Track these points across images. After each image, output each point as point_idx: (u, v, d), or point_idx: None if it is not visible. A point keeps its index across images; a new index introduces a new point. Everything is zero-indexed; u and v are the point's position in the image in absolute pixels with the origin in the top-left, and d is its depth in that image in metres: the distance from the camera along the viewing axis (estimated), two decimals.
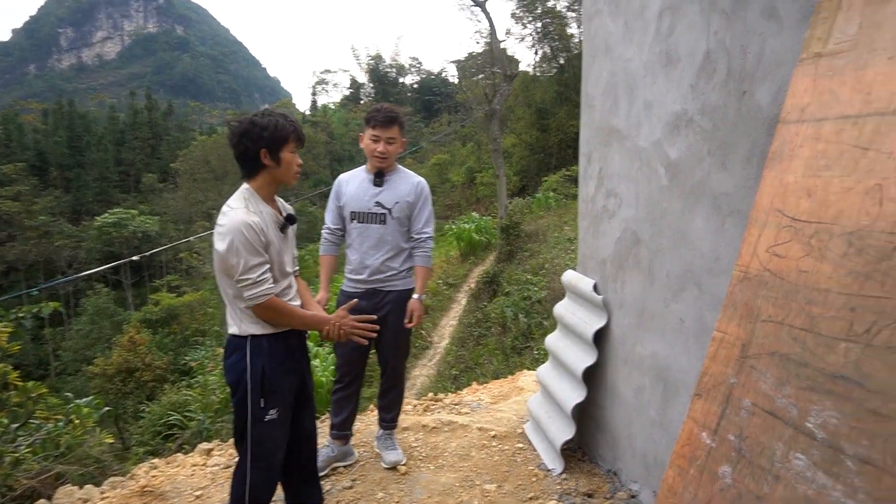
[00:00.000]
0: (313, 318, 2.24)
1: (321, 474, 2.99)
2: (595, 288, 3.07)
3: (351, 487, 2.92)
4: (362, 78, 50.40)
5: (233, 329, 2.15)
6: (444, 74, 54.78)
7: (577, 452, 3.22)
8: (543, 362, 8.22)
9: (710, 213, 2.15)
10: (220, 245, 2.00)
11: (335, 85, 59.89)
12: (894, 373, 1.14)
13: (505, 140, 31.85)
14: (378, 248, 3.01)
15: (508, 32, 37.60)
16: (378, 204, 3.01)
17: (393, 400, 3.27)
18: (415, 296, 3.09)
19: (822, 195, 1.38)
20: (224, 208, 2.09)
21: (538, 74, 35.98)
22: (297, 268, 2.43)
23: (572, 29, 34.74)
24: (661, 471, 2.50)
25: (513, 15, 34.70)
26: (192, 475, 3.11)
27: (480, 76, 42.82)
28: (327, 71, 62.71)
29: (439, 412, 3.85)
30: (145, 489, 2.95)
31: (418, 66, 54.48)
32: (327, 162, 41.76)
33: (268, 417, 2.11)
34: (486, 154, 34.18)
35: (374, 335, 2.35)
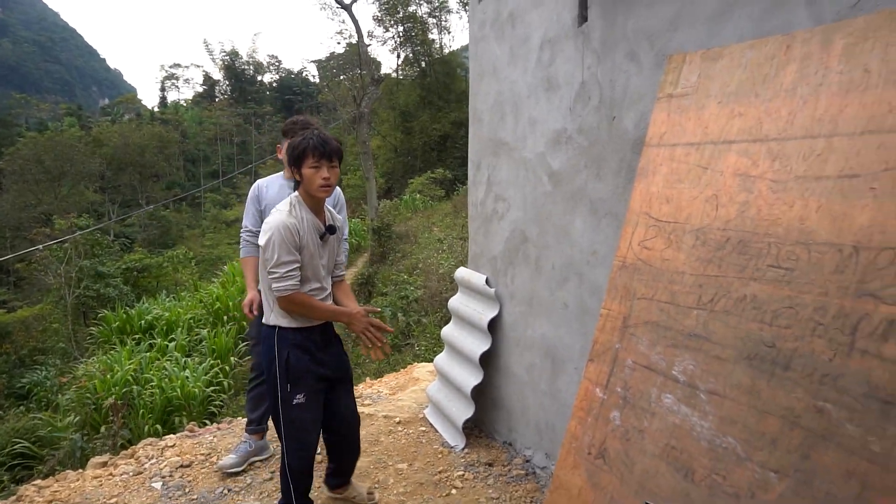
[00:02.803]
0: (336, 309, 2.46)
1: (238, 470, 3.11)
2: (487, 282, 3.47)
3: (271, 479, 3.06)
4: (217, 74, 48.07)
5: (265, 319, 2.43)
6: (304, 74, 53.78)
7: (475, 430, 3.59)
8: (423, 357, 8.60)
9: (588, 215, 2.60)
10: (261, 240, 2.31)
11: (186, 81, 56.50)
12: (729, 329, 1.60)
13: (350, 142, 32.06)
14: None
15: (371, 35, 37.71)
16: None
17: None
18: None
19: (677, 202, 1.84)
20: (273, 210, 2.38)
21: (401, 78, 36.58)
22: (343, 273, 2.65)
23: (433, 34, 35.77)
24: (552, 433, 2.95)
25: (374, 18, 34.99)
26: (101, 485, 3.06)
27: (342, 77, 42.63)
28: (177, 65, 58.93)
29: None
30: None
31: (277, 64, 53.06)
32: (181, 163, 39.25)
33: (295, 401, 2.36)
34: (350, 156, 34.10)
35: (381, 344, 2.48)
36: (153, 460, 3.31)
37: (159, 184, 34.93)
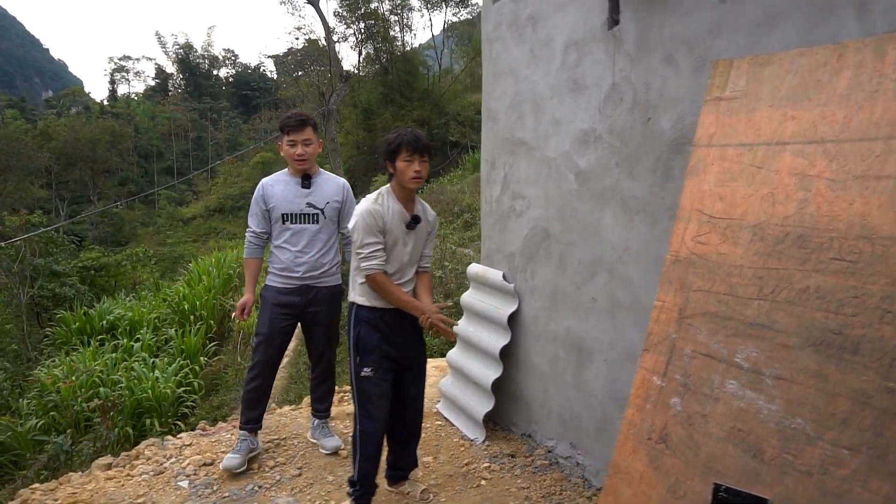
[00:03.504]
0: (410, 301, 2.61)
1: (244, 469, 3.09)
2: (504, 277, 3.55)
3: (300, 475, 3.07)
4: (170, 68, 46.67)
5: (349, 296, 2.69)
6: (262, 69, 52.75)
7: (490, 423, 3.66)
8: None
9: (619, 212, 2.71)
10: (350, 223, 2.59)
11: (137, 74, 54.57)
12: (793, 318, 1.72)
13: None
14: (312, 246, 3.21)
15: (332, 31, 37.30)
16: (310, 205, 3.21)
17: (326, 390, 3.46)
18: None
19: (731, 199, 1.95)
20: (363, 199, 2.63)
21: (362, 75, 36.34)
22: (427, 265, 2.80)
23: (395, 32, 35.64)
24: (577, 424, 3.05)
25: (336, 14, 34.66)
26: (122, 486, 3.01)
27: (300, 73, 42.05)
28: (127, 58, 56.70)
29: None
30: None
31: (233, 58, 51.86)
32: (135, 159, 37.98)
33: (363, 373, 2.58)
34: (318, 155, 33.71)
35: (452, 327, 2.64)
36: (172, 459, 3.26)
37: (112, 180, 33.73)
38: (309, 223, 3.21)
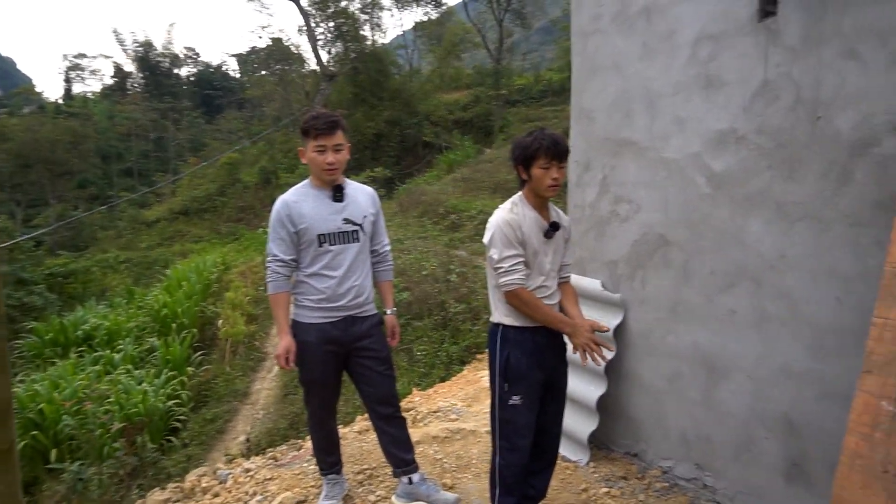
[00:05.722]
0: (559, 317, 2.35)
1: None
2: (603, 286, 3.33)
3: None
4: (129, 66, 44.93)
5: (492, 316, 2.44)
6: (224, 68, 51.43)
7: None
8: (425, 361, 8.31)
9: (773, 219, 2.51)
10: (485, 238, 2.36)
11: (94, 72, 52.46)
12: None
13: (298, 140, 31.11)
14: (356, 269, 2.73)
15: (301, 30, 36.57)
16: (347, 221, 2.71)
17: (407, 437, 2.91)
18: (389, 311, 2.95)
19: None
20: (496, 209, 2.39)
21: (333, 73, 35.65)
22: (569, 275, 2.56)
23: (366, 31, 35.16)
24: (705, 444, 2.86)
25: (303, 11, 33.95)
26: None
27: (264, 72, 41.12)
28: (82, 55, 54.43)
29: (431, 422, 3.79)
30: None
31: (195, 57, 50.34)
32: (95, 160, 36.33)
33: (511, 402, 2.33)
34: (279, 153, 32.94)
35: (604, 360, 2.32)
36: (257, 496, 2.93)
37: (71, 182, 32.19)
38: (349, 242, 2.71)
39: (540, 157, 2.26)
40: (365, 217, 2.76)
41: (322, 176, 2.66)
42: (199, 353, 12.55)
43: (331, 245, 2.67)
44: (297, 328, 2.70)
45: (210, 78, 49.13)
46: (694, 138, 2.81)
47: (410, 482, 2.85)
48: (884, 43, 2.13)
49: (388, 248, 2.96)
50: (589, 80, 3.41)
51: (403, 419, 2.91)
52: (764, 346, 2.58)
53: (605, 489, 2.94)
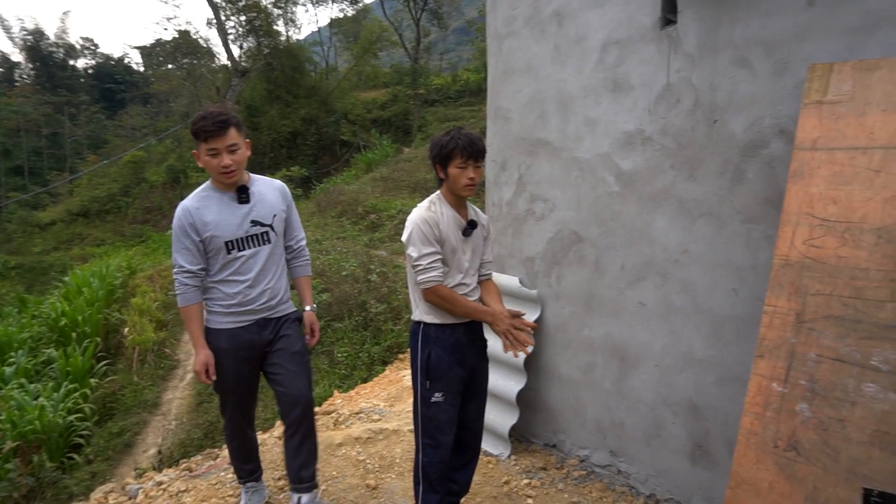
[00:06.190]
0: (480, 308, 2.39)
1: None
2: (521, 283, 3.42)
3: None
4: (17, 56, 41.52)
5: (413, 314, 2.46)
6: (127, 61, 48.59)
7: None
8: (346, 362, 8.19)
9: (676, 215, 2.67)
10: (403, 236, 2.38)
11: None
12: None
13: None
14: (268, 271, 2.60)
15: (210, 23, 35.07)
16: (256, 223, 2.56)
17: (312, 448, 2.68)
18: (308, 308, 2.82)
19: (847, 203, 1.96)
20: (414, 208, 2.41)
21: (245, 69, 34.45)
22: (489, 272, 2.60)
23: (279, 26, 34.22)
24: (619, 431, 2.99)
25: (213, 4, 32.60)
26: None
27: (171, 66, 39.21)
28: None
29: (354, 424, 3.74)
30: None
31: (93, 48, 47.24)
32: None
33: (434, 399, 2.36)
34: (188, 151, 31.46)
35: (529, 343, 2.30)
36: None
37: None
38: (260, 245, 2.58)
39: (456, 157, 2.30)
40: (275, 216, 2.62)
41: (220, 179, 2.49)
42: (104, 363, 11.80)
43: (240, 251, 2.53)
44: (208, 335, 2.58)
45: (111, 71, 46.28)
46: (604, 139, 2.94)
47: (299, 502, 2.65)
48: (770, 53, 2.31)
49: (303, 242, 2.84)
50: (504, 82, 3.48)
51: (312, 426, 2.69)
52: (670, 336, 2.74)
53: (526, 481, 3.02)
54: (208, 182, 2.57)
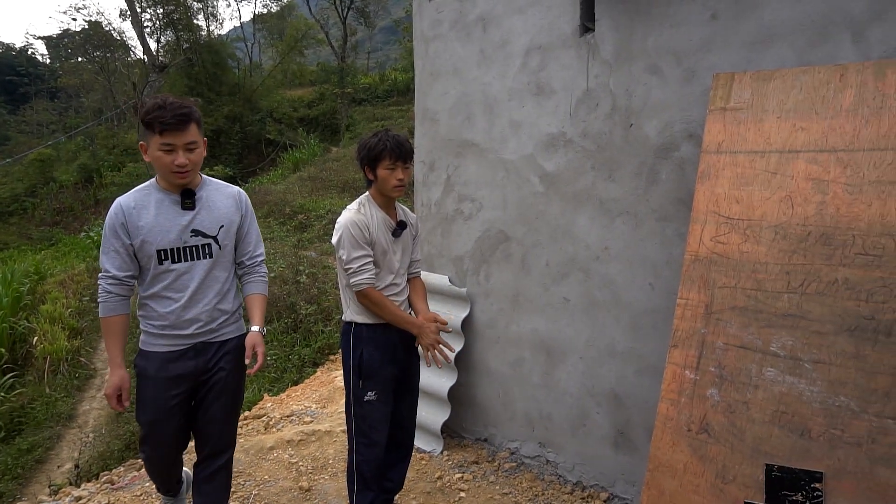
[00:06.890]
0: (407, 318, 2.44)
1: None
2: (450, 281, 3.48)
3: None
4: None
5: (344, 315, 2.47)
6: (31, 52, 45.44)
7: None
8: (276, 365, 8.04)
9: (597, 214, 2.80)
10: (334, 239, 2.39)
11: None
12: (825, 308, 1.92)
13: (130, 135, 28.40)
14: (206, 291, 2.29)
15: (124, 15, 33.24)
16: (197, 233, 2.26)
17: (222, 485, 2.42)
18: (255, 327, 2.33)
19: (748, 202, 2.12)
20: (344, 210, 2.41)
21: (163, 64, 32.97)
22: (418, 270, 2.66)
23: (200, 20, 32.99)
24: (547, 423, 3.10)
25: None
26: None
27: (81, 59, 37.07)
28: None
29: (285, 427, 3.69)
30: None
31: None
32: None
33: (366, 398, 2.39)
34: (102, 149, 29.82)
35: (449, 360, 2.35)
36: None
37: None
38: (199, 258, 2.27)
39: (385, 159, 2.33)
40: (222, 227, 2.31)
41: (170, 179, 2.20)
42: (10, 375, 11.02)
43: (173, 263, 2.23)
44: (138, 355, 2.31)
45: (12, 62, 43.11)
46: (528, 141, 3.04)
47: None
48: (679, 61, 2.46)
49: (259, 258, 2.46)
50: (431, 84, 3.53)
51: (228, 472, 2.46)
52: (592, 330, 2.87)
53: (459, 475, 3.08)
54: (153, 179, 2.27)
